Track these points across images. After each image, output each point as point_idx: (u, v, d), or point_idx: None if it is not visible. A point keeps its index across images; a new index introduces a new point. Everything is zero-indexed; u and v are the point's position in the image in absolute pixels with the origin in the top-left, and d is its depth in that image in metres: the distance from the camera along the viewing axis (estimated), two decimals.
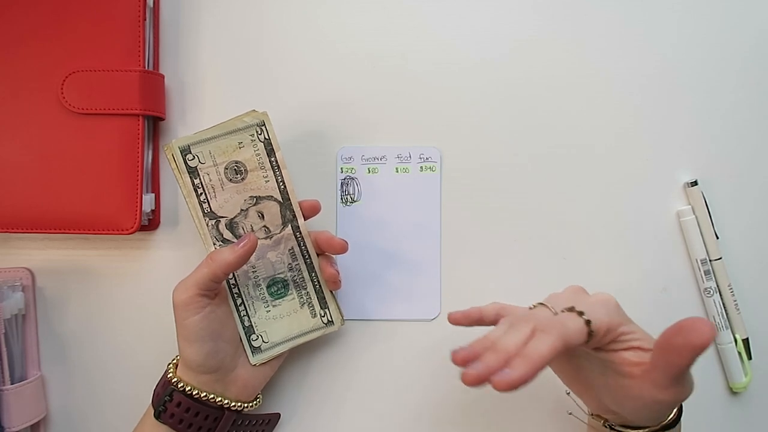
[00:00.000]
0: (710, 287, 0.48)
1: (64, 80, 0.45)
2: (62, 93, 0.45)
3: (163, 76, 0.48)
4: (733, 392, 0.49)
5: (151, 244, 0.50)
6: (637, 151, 0.49)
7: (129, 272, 0.50)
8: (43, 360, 0.49)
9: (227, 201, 0.43)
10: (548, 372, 0.48)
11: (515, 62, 0.50)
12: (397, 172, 0.50)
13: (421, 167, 0.49)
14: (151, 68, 0.47)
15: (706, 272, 0.48)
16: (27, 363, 0.48)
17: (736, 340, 0.48)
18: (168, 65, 0.50)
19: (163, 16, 0.50)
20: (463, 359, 0.33)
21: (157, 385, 0.44)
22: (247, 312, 0.45)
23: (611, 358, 0.37)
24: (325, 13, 0.50)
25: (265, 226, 0.44)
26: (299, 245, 0.46)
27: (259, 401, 0.46)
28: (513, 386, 0.31)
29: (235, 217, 0.44)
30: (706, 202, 0.48)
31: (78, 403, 0.50)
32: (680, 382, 0.34)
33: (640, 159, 0.49)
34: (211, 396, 0.42)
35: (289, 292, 0.46)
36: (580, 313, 0.35)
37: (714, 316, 0.48)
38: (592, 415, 0.42)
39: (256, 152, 0.43)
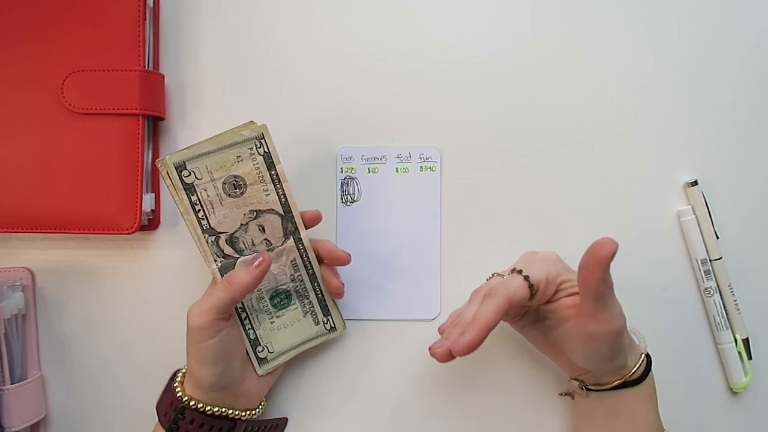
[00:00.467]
0: (710, 287, 0.48)
1: (64, 80, 0.45)
2: (62, 93, 0.45)
3: (163, 76, 0.48)
4: (733, 392, 0.49)
5: (151, 244, 0.50)
6: (637, 150, 0.49)
7: (129, 272, 0.50)
8: (43, 360, 0.49)
9: (226, 216, 0.42)
10: (547, 370, 0.48)
11: (515, 62, 0.50)
12: (397, 172, 0.50)
13: (421, 167, 0.49)
14: (151, 68, 0.47)
15: (706, 272, 0.48)
16: (27, 363, 0.48)
17: (736, 340, 0.48)
18: (168, 65, 0.50)
19: (163, 16, 0.50)
20: (437, 349, 0.38)
21: (160, 402, 0.43)
22: (252, 325, 0.45)
23: (557, 307, 0.41)
24: (326, 13, 0.50)
25: (266, 239, 0.44)
26: (301, 256, 0.45)
27: (263, 406, 0.46)
28: (467, 349, 0.36)
29: (235, 231, 0.43)
30: (706, 202, 0.48)
31: (78, 403, 0.50)
32: (604, 308, 0.37)
33: (640, 159, 0.49)
34: (223, 409, 0.42)
35: (292, 302, 0.46)
36: (520, 272, 0.40)
37: (714, 316, 0.48)
38: (570, 380, 0.45)
39: (256, 166, 0.42)
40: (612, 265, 0.35)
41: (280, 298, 0.45)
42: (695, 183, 0.48)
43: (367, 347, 0.50)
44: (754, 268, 0.49)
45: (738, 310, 0.48)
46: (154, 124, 0.49)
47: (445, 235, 0.49)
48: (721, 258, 0.48)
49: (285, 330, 0.46)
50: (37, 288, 0.49)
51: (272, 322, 0.45)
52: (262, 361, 0.45)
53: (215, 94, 0.50)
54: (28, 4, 0.45)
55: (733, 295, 0.48)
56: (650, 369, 0.42)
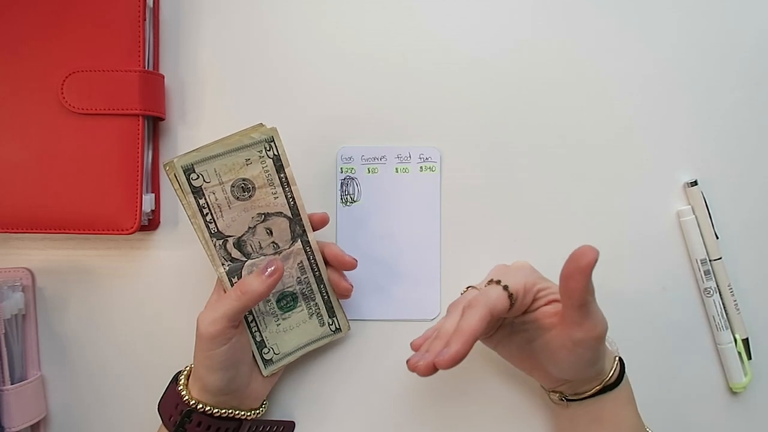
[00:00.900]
0: (710, 287, 0.48)
1: (64, 80, 0.45)
2: (62, 93, 0.45)
3: (163, 76, 0.48)
4: (733, 392, 0.49)
5: (151, 244, 0.50)
6: (637, 150, 0.49)
7: (129, 272, 0.50)
8: (43, 360, 0.49)
9: (234, 220, 0.42)
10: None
11: (515, 62, 0.50)
12: (397, 172, 0.50)
13: (421, 167, 0.49)
14: (151, 68, 0.47)
15: (706, 272, 0.48)
16: (27, 363, 0.48)
17: (736, 340, 0.48)
18: (168, 65, 0.50)
19: (163, 16, 0.50)
20: (417, 363, 0.37)
21: (163, 404, 0.43)
22: (258, 327, 0.45)
23: (536, 316, 0.40)
24: (326, 13, 0.50)
25: (273, 242, 0.43)
26: (308, 259, 0.45)
27: (266, 405, 0.47)
28: (453, 361, 0.35)
29: (242, 235, 0.42)
30: (706, 202, 0.48)
31: (78, 403, 0.50)
32: (588, 315, 0.36)
33: (640, 159, 0.49)
34: (230, 411, 0.43)
35: (298, 304, 0.46)
36: (498, 282, 0.39)
37: (714, 316, 0.48)
38: (550, 393, 0.44)
39: (265, 169, 0.42)
40: (612, 265, 0.35)
41: (287, 301, 0.45)
42: (695, 183, 0.48)
43: (367, 347, 0.50)
44: (754, 268, 0.49)
45: (738, 310, 0.48)
46: (154, 124, 0.49)
47: (445, 235, 0.49)
48: (720, 258, 0.48)
49: (291, 332, 0.46)
50: (37, 288, 0.49)
51: (278, 324, 0.45)
52: (267, 362, 0.45)
53: (215, 94, 0.50)
54: (28, 4, 0.45)
55: (733, 295, 0.48)
56: (624, 371, 0.42)
